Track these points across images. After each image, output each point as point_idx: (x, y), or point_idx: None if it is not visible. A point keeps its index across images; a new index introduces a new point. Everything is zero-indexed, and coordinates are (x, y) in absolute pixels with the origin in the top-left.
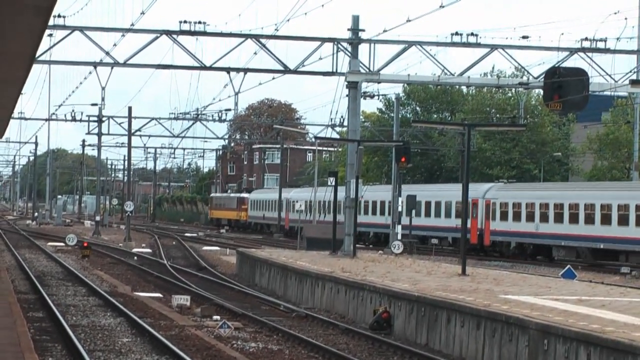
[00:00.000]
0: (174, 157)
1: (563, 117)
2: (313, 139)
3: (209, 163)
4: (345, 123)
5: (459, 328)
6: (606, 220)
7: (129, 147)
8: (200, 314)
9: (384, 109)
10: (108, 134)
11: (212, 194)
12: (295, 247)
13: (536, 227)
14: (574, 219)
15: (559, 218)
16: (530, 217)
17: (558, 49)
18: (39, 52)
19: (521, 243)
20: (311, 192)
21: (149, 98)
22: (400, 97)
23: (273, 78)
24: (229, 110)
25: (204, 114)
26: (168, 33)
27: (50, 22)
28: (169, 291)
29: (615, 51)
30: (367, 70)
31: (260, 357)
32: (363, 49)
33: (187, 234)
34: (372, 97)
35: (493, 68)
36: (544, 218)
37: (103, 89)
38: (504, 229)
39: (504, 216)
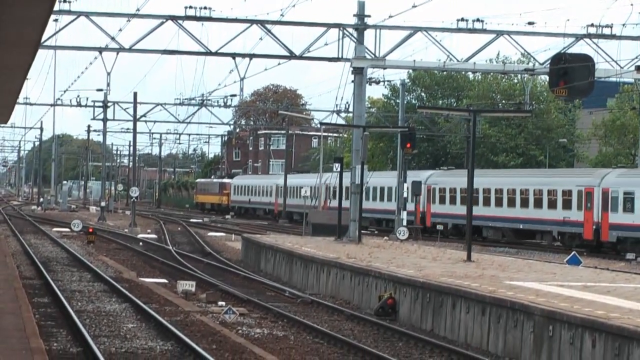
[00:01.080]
0: (180, 143)
1: (569, 103)
2: (318, 125)
3: (214, 149)
4: (351, 109)
5: (464, 314)
6: (524, 203)
7: (134, 132)
8: (205, 300)
9: (389, 95)
10: (113, 119)
11: (197, 180)
12: (300, 232)
13: None
14: (499, 202)
15: (487, 202)
16: (464, 201)
17: (564, 35)
18: (44, 37)
19: (456, 224)
20: (301, 179)
21: (154, 84)
22: (405, 83)
23: (279, 64)
24: (235, 95)
25: (209, 100)
26: (174, 18)
27: (56, 7)
28: (174, 277)
29: (621, 37)
30: (373, 56)
31: (266, 342)
32: (369, 34)
33: (192, 220)
34: (377, 83)
35: (498, 54)
36: (475, 202)
37: (108, 74)
38: (442, 211)
39: (442, 200)
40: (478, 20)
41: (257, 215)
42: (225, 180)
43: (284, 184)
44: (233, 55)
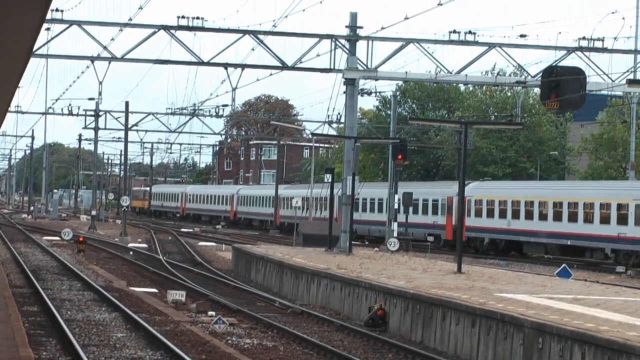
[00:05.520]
0: (171, 152)
1: (560, 116)
2: (310, 136)
3: (205, 159)
4: (343, 120)
5: (454, 326)
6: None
7: (126, 141)
8: (195, 310)
9: (380, 106)
10: (105, 128)
11: (134, 188)
12: (291, 243)
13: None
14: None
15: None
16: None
17: (556, 47)
18: (36, 46)
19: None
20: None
21: (146, 93)
22: (397, 95)
23: (270, 74)
24: (226, 105)
25: (201, 110)
26: (166, 28)
27: (48, 16)
28: (164, 286)
29: (612, 50)
30: (365, 67)
31: (255, 353)
32: (361, 46)
33: (183, 229)
34: (369, 94)
35: (494, 66)
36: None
37: (100, 83)
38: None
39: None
40: (470, 32)
41: (169, 217)
42: (147, 188)
43: (275, 194)
44: (225, 66)
